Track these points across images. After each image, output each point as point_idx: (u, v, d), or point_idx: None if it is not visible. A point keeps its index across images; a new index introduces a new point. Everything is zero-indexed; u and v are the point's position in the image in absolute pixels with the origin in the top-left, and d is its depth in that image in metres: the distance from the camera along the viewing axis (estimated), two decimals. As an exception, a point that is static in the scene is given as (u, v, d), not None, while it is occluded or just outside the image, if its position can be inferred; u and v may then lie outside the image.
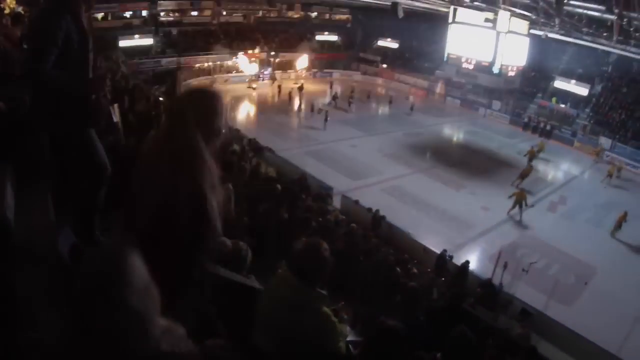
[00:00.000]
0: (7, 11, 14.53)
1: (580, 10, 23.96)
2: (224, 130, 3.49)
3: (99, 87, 4.82)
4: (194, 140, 3.21)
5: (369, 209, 22.29)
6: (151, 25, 55.25)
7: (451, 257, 19.50)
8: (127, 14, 54.72)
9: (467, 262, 18.58)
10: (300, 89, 49.60)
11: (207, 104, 3.48)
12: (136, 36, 53.59)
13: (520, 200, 26.98)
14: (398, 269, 14.37)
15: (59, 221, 4.48)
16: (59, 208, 4.77)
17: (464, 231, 24.57)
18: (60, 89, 4.41)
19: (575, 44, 43.71)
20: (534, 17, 27.55)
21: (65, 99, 4.42)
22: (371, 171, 31.66)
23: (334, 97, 47.53)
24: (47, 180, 5.23)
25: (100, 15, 52.52)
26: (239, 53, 57.40)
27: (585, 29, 29.39)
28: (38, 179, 5.28)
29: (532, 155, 35.76)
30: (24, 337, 2.87)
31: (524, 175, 31.08)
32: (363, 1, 39.46)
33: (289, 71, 60.74)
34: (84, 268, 1.86)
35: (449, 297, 10.61)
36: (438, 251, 19.94)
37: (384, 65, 63.66)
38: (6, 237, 3.67)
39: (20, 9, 20.62)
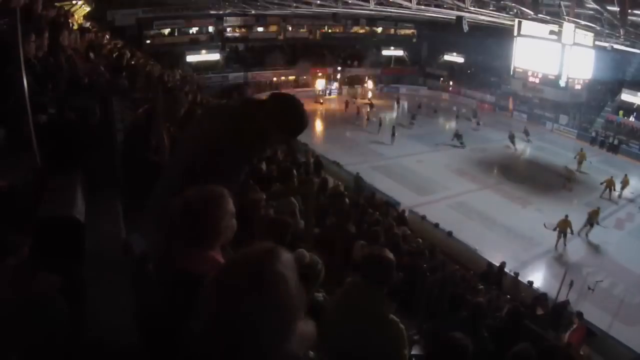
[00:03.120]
0: (75, 27, 15.24)
1: (644, 20, 23.60)
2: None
3: None
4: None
5: (436, 225, 22.60)
6: (217, 41, 56.78)
7: (517, 275, 19.63)
8: (193, 30, 56.38)
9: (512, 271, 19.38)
10: (371, 106, 50.42)
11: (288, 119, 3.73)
12: (203, 51, 55.33)
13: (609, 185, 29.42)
14: (463, 284, 14.67)
15: (129, 226, 4.65)
16: (129, 214, 4.95)
17: (530, 248, 24.43)
18: None
19: (642, 55, 43.05)
20: (598, 28, 27.19)
21: None
22: (437, 187, 31.85)
23: (413, 118, 47.87)
24: (117, 187, 5.54)
25: (166, 31, 54.39)
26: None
27: (650, 39, 28.89)
28: (108, 186, 5.58)
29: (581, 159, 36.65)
30: (88, 336, 3.00)
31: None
32: (428, 15, 39.42)
33: (355, 86, 61.02)
34: None
35: (510, 314, 10.84)
36: (505, 268, 20.11)
37: (451, 82, 63.35)
38: (78, 239, 3.86)
39: (88, 25, 21.58)
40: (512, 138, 42.18)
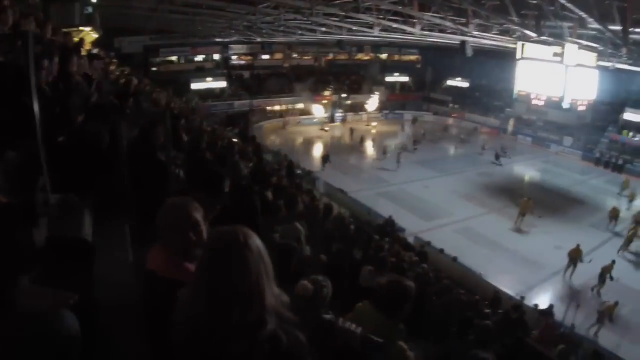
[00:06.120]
0: (83, 53, 15.35)
1: (646, 39, 23.55)
2: None
3: None
4: None
5: (441, 250, 22.61)
6: (223, 68, 57.23)
7: (523, 298, 19.57)
8: (199, 57, 56.90)
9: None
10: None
11: None
12: (208, 79, 55.69)
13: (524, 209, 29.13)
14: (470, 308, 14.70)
15: (137, 251, 4.69)
16: (137, 239, 4.99)
17: (536, 271, 24.26)
18: None
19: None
20: (601, 48, 27.10)
21: None
22: (443, 212, 31.77)
23: (415, 142, 48.16)
24: (125, 210, 5.66)
25: (173, 58, 55.01)
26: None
27: (652, 57, 28.77)
28: (116, 208, 5.67)
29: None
30: (99, 355, 3.05)
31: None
32: (431, 41, 39.56)
33: (360, 113, 61.45)
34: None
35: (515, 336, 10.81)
36: (511, 292, 20.13)
37: (455, 106, 63.76)
38: (87, 260, 3.82)
39: (96, 51, 21.83)
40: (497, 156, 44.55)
